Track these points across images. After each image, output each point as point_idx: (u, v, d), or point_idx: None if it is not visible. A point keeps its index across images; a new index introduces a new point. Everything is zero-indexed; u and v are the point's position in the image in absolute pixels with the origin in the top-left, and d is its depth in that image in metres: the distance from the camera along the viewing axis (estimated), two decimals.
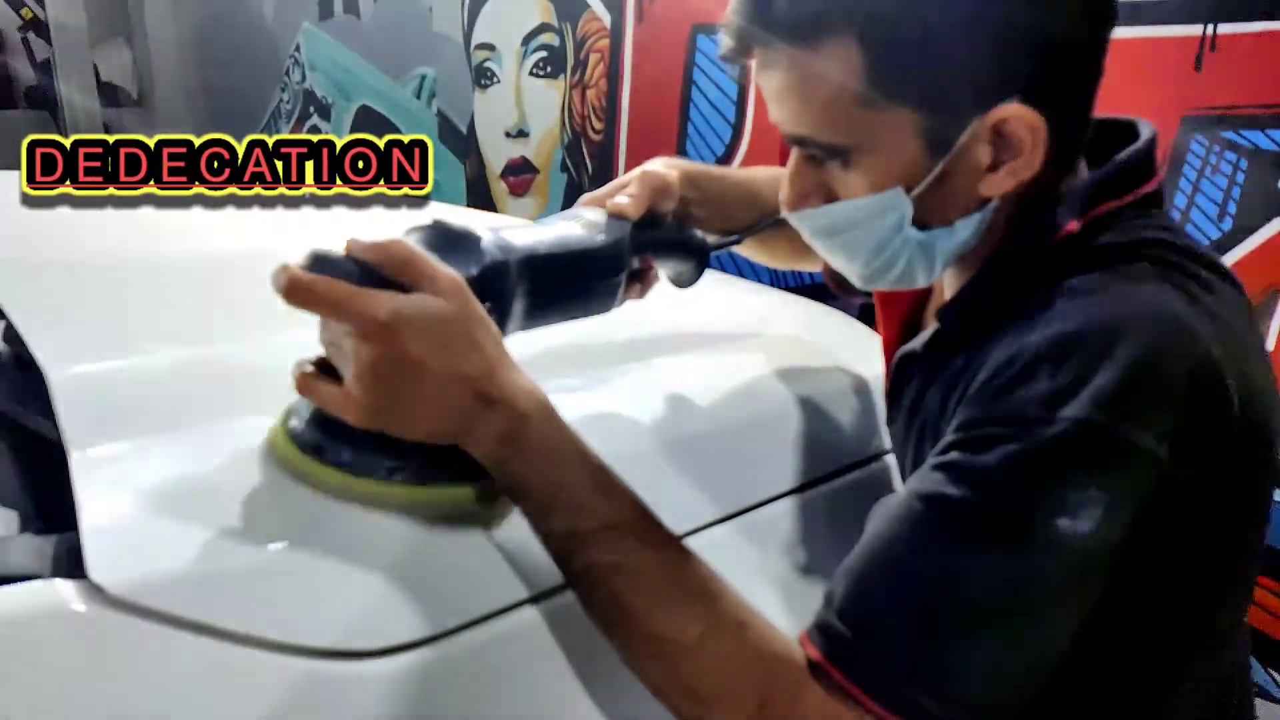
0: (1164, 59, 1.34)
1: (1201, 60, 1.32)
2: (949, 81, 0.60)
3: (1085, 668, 0.59)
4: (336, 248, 0.55)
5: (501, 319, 0.64)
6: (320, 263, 0.54)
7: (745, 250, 0.91)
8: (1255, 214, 1.34)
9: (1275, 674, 1.45)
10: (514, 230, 0.67)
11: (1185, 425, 0.54)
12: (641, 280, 0.80)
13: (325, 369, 0.57)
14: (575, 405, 0.61)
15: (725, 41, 0.65)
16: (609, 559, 0.57)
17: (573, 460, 0.58)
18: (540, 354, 0.79)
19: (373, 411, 0.54)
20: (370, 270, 0.54)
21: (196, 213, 0.82)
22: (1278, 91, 1.28)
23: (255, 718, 0.50)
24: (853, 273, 0.71)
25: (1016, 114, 0.59)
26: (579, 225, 0.72)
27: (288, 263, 0.53)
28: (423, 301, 0.54)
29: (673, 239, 0.82)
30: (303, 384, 0.56)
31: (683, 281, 0.85)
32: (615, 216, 0.74)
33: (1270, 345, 1.37)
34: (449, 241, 0.62)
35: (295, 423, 0.60)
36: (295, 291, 0.52)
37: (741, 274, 1.67)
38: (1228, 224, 1.36)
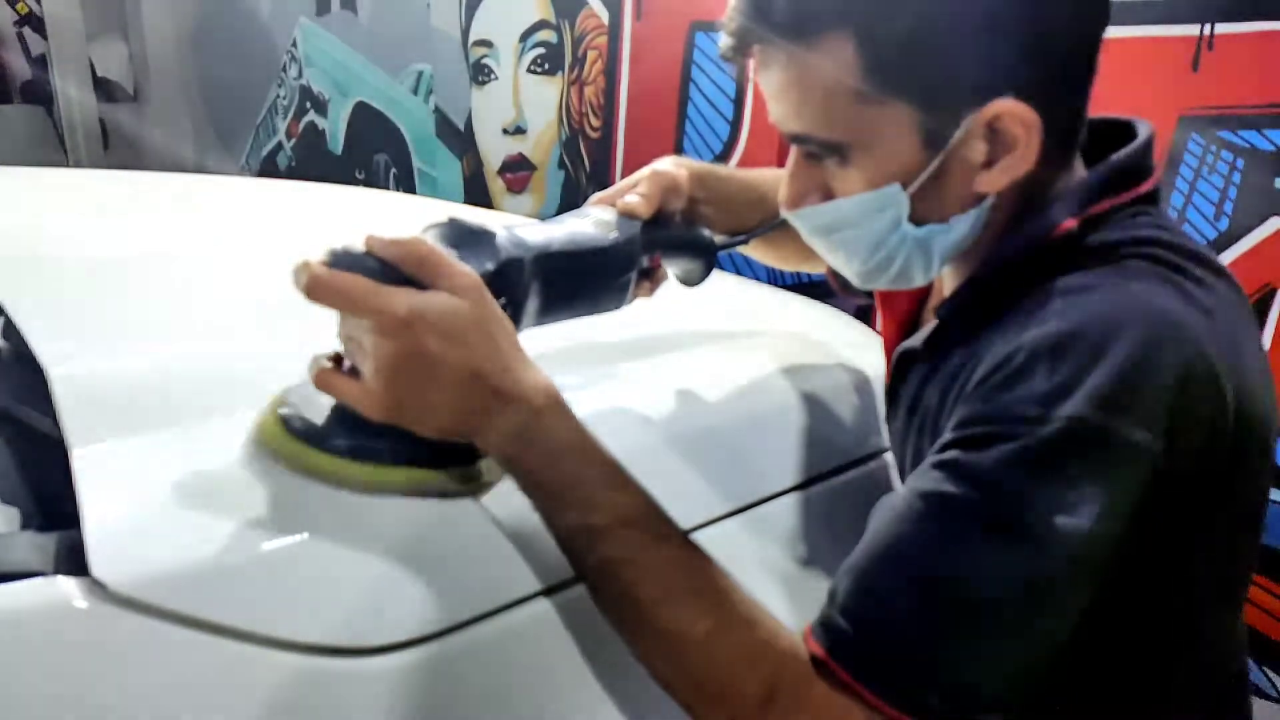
0: (1161, 58, 1.34)
1: (1199, 60, 1.32)
2: (943, 77, 0.60)
3: (1083, 662, 0.60)
4: (356, 244, 0.56)
5: (515, 315, 0.65)
6: (341, 259, 0.55)
7: (752, 251, 0.91)
8: (1251, 213, 1.34)
9: (1273, 674, 1.45)
10: (528, 228, 0.68)
11: (1179, 422, 0.54)
12: (650, 278, 0.81)
13: (341, 363, 0.58)
14: (581, 401, 0.62)
15: (725, 40, 0.66)
16: (621, 554, 0.57)
17: (586, 456, 0.59)
18: (548, 350, 0.79)
19: (390, 406, 0.56)
20: (390, 267, 0.56)
21: (199, 209, 0.81)
22: (1274, 91, 1.29)
23: (256, 714, 0.50)
24: (851, 271, 0.71)
25: (1011, 110, 0.60)
26: (591, 223, 0.73)
27: (309, 259, 0.54)
28: (441, 299, 0.55)
29: (682, 238, 0.83)
30: (321, 379, 0.57)
31: (691, 280, 0.86)
32: (626, 215, 0.75)
33: (1266, 343, 1.37)
34: (466, 238, 0.63)
35: (287, 411, 0.61)
36: (316, 287, 0.53)
37: (739, 273, 1.67)
38: (1224, 223, 1.36)
